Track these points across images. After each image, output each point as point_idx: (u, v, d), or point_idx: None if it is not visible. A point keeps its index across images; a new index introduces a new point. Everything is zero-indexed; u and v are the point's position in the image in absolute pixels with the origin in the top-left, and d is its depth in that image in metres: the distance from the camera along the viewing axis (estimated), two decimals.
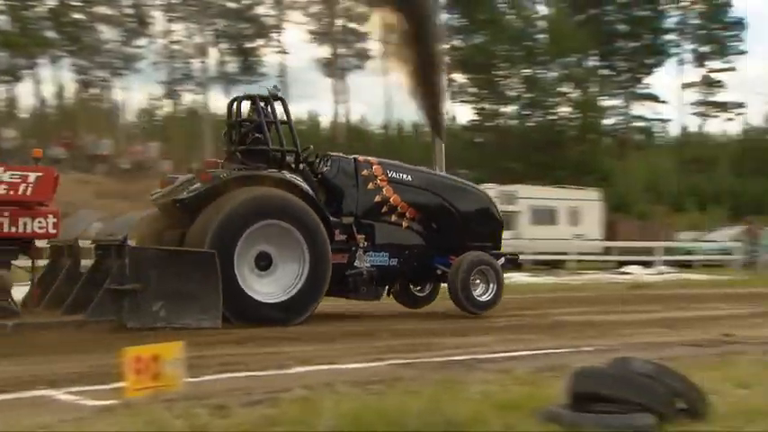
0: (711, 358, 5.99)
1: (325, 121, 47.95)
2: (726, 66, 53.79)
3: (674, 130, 58.11)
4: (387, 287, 10.44)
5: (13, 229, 7.96)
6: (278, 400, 4.13)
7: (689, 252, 25.94)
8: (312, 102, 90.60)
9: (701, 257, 25.87)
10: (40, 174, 8.08)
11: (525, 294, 12.84)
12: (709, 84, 55.68)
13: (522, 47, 47.02)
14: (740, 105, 56.70)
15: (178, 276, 8.06)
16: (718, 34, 53.68)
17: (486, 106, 48.69)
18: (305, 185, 9.36)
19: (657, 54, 53.63)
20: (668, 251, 24.62)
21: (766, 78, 76.46)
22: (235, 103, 9.90)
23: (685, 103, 55.57)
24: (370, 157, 10.54)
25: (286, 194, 9.10)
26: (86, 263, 8.55)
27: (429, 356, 6.11)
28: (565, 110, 47.30)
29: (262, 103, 9.68)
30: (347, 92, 43.96)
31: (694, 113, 58.12)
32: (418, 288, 10.96)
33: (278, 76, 42.07)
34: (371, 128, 49.86)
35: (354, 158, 10.26)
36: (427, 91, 12.64)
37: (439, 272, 10.48)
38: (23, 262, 8.31)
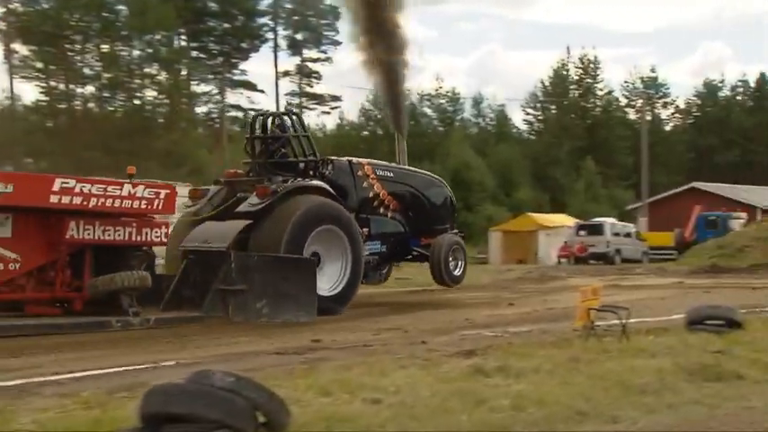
0: (298, 366, 6.44)
1: None
2: (321, 55, 58.11)
3: None
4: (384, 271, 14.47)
5: (139, 238, 10.53)
6: None
7: None
8: None
9: None
10: (168, 191, 10.63)
11: None
12: (306, 74, 59.59)
13: (99, 18, 45.18)
14: (336, 98, 61.71)
15: (279, 278, 10.73)
16: (313, 22, 57.01)
17: (57, 85, 45.94)
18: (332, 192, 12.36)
19: (251, 38, 55.19)
20: None
21: (360, 72, 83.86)
22: (258, 119, 13.07)
23: (282, 94, 58.38)
24: (360, 159, 13.98)
25: (333, 202, 12.26)
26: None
27: None
28: (152, 93, 46.74)
29: (287, 120, 12.98)
30: None
31: (291, 104, 61.55)
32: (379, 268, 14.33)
33: None
34: None
35: (349, 161, 13.55)
36: (390, 90, 16.54)
37: (415, 253, 14.49)
38: None
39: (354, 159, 13.79)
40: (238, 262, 10.62)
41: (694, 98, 73.97)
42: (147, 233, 10.69)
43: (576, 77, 68.86)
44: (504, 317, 11.54)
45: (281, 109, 13.85)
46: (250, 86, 57.49)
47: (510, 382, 5.58)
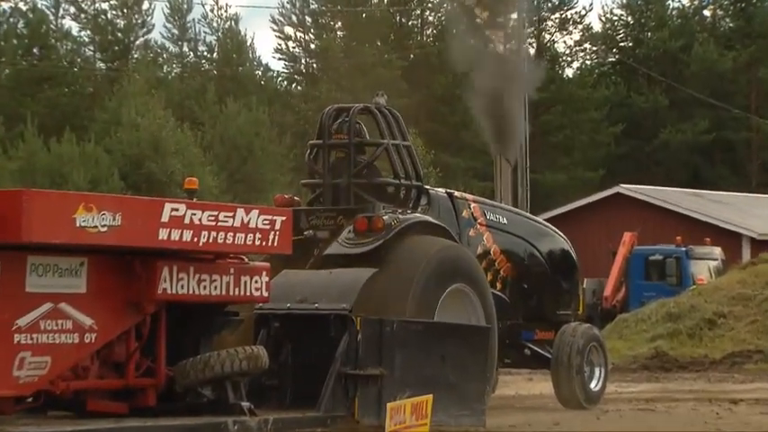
0: None
1: None
2: None
3: None
4: None
5: (237, 291, 13.54)
6: None
7: None
8: None
9: None
10: (284, 217, 13.80)
11: None
12: None
13: None
14: None
15: (433, 358, 14.35)
16: None
17: None
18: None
19: None
20: None
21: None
22: (335, 118, 17.03)
23: None
24: (465, 194, 18.28)
25: (464, 249, 16.88)
26: None
27: None
28: None
29: (380, 119, 17.06)
30: None
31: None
32: None
33: None
34: None
35: (449, 193, 17.91)
36: (498, 97, 21.80)
37: (528, 352, 18.67)
38: None
39: (456, 193, 18.17)
40: (368, 331, 13.76)
41: (620, 13, 78.17)
42: (246, 284, 13.61)
43: None
44: None
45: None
46: None
47: None
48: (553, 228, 20.40)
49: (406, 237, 15.90)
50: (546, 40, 75.84)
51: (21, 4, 62.63)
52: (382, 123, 17.01)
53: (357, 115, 16.97)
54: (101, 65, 65.12)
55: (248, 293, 13.65)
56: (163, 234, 12.40)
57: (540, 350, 18.54)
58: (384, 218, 15.73)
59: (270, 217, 13.61)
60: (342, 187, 16.69)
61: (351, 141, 16.74)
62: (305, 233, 16.07)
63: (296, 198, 17.18)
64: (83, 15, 65.74)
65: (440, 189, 18.26)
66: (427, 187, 17.49)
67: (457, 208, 17.61)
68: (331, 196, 16.74)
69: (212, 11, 69.28)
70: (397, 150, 16.99)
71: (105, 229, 11.85)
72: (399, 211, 16.34)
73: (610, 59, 77.58)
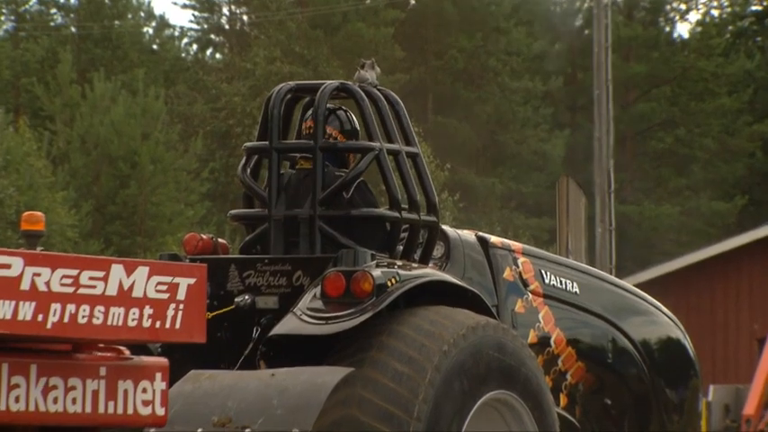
0: None
1: None
2: None
3: None
4: None
5: (111, 408, 13.24)
6: None
7: None
8: None
9: None
10: (194, 279, 13.62)
11: None
12: None
13: None
14: None
15: None
16: None
17: None
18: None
19: None
20: None
21: None
22: (291, 104, 17.07)
23: None
24: (509, 241, 18.22)
25: (510, 332, 16.41)
26: None
27: None
28: None
29: (366, 110, 16.75)
30: None
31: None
32: None
33: None
34: None
35: (482, 240, 17.59)
36: None
37: None
38: None
39: (494, 238, 17.78)
40: None
41: None
42: (127, 394, 13.07)
43: None
44: None
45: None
46: None
47: None
48: (656, 302, 19.76)
49: (411, 308, 15.24)
50: None
51: None
52: (371, 115, 16.17)
53: (330, 100, 16.29)
54: None
55: (131, 410, 12.98)
56: (24, 312, 11.76)
57: None
58: (373, 274, 14.77)
59: (168, 279, 12.88)
60: (301, 221, 15.90)
61: (317, 145, 15.90)
62: (236, 300, 15.38)
63: (220, 240, 16.50)
64: None
65: (465, 231, 17.65)
66: (445, 227, 17.01)
67: (495, 263, 17.23)
68: (283, 237, 15.91)
69: None
70: (397, 161, 16.23)
71: None
72: (399, 264, 15.52)
73: (752, 9, 77.45)
